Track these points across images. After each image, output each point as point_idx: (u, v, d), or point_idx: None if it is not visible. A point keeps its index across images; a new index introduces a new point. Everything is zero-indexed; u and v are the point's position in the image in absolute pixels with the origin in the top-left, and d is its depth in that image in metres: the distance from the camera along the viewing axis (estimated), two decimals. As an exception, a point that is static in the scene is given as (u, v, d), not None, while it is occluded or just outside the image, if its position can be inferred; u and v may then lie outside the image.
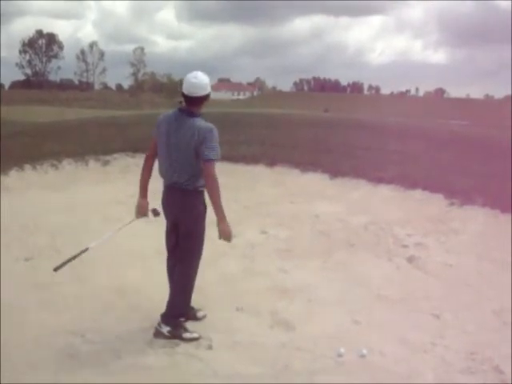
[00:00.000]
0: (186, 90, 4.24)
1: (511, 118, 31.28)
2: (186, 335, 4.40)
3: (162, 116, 4.44)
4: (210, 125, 4.23)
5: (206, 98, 4.29)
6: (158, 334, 4.39)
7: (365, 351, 4.19)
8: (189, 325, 4.54)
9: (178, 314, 4.46)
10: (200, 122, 4.21)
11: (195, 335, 4.42)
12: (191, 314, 4.69)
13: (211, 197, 4.18)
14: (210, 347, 4.31)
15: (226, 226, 4.21)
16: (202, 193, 4.35)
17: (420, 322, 4.82)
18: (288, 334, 4.52)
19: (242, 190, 9.47)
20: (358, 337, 4.47)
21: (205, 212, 4.41)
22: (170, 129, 4.28)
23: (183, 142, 4.20)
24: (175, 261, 4.56)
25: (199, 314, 4.76)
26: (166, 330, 4.37)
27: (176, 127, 4.26)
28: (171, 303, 4.44)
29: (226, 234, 4.23)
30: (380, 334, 4.55)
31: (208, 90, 4.30)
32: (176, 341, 4.35)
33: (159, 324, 4.40)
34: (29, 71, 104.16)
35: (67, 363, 4.03)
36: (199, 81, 4.23)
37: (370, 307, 5.12)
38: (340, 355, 4.16)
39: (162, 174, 4.42)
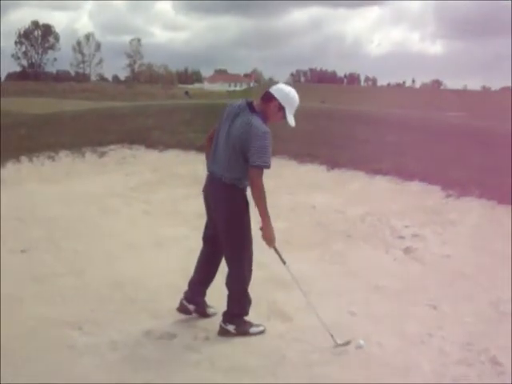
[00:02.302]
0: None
1: (509, 110, 31.25)
2: (253, 330, 4.36)
3: (231, 103, 4.35)
4: (266, 128, 4.06)
5: (275, 102, 4.16)
6: (223, 331, 4.33)
7: (362, 342, 4.19)
8: (193, 319, 4.56)
9: (241, 313, 4.39)
10: (257, 122, 4.05)
11: (261, 328, 4.38)
12: (201, 309, 4.63)
13: (256, 205, 4.13)
14: (207, 338, 4.31)
15: (267, 233, 4.19)
16: (241, 189, 4.20)
17: (417, 313, 4.82)
18: (285, 325, 4.53)
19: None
20: (355, 328, 4.47)
21: (245, 207, 4.28)
22: (228, 117, 4.20)
23: (232, 135, 4.11)
24: (209, 251, 4.54)
25: (209, 311, 4.67)
26: (231, 328, 4.31)
27: (233, 117, 4.16)
28: (230, 302, 4.38)
29: (266, 239, 4.24)
30: (377, 325, 4.55)
31: (282, 98, 4.15)
32: (174, 332, 4.35)
33: (224, 322, 4.34)
34: (25, 62, 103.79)
35: (65, 355, 4.03)
36: (282, 85, 4.28)
37: (367, 298, 5.12)
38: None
39: (208, 157, 4.39)
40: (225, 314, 4.38)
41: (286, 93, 4.20)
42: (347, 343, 4.14)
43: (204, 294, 4.64)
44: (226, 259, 4.42)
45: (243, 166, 4.09)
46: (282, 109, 4.18)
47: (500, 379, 3.75)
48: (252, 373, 3.81)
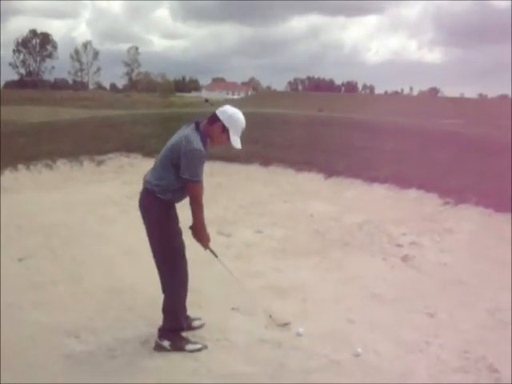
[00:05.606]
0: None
1: (506, 118, 31.35)
2: (189, 347, 4.25)
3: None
4: (199, 146, 4.00)
5: (218, 123, 4.12)
6: (158, 347, 4.25)
7: (359, 350, 4.20)
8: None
9: (175, 328, 4.32)
10: (193, 138, 4.01)
11: (198, 346, 4.27)
12: (187, 324, 4.55)
13: (192, 214, 4.15)
14: (205, 347, 4.30)
15: (197, 236, 4.25)
16: (163, 200, 4.12)
17: (414, 321, 4.83)
18: (283, 334, 4.53)
19: (237, 189, 9.46)
20: (352, 336, 4.47)
21: (166, 218, 4.17)
22: (175, 134, 4.25)
23: (168, 146, 4.17)
24: None
25: (195, 323, 4.63)
26: (167, 344, 4.24)
27: (177, 134, 4.21)
28: (165, 317, 4.31)
29: (198, 242, 4.30)
30: (374, 332, 4.55)
31: (225, 120, 4.11)
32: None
33: (159, 338, 4.27)
34: (23, 71, 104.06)
35: (62, 363, 4.03)
36: (227, 107, 4.24)
37: (365, 306, 5.13)
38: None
39: None
40: (160, 329, 4.30)
41: (230, 114, 4.16)
42: (286, 324, 4.58)
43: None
44: (157, 270, 4.31)
45: (170, 175, 4.07)
46: (226, 130, 4.15)
47: (497, 386, 3.76)
48: (250, 380, 3.81)
